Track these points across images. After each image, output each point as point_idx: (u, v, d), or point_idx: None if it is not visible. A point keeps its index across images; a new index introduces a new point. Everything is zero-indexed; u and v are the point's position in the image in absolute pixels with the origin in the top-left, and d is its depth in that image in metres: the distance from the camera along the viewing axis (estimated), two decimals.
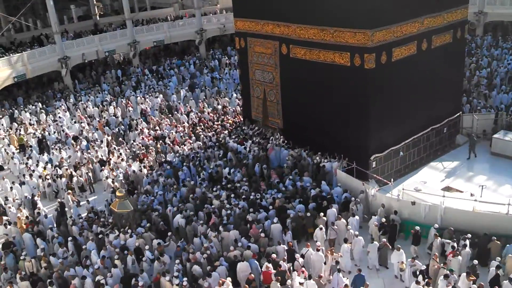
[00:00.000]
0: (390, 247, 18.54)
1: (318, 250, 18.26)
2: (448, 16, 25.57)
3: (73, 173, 27.57)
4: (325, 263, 18.07)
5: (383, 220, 20.03)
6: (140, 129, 33.12)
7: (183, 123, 34.24)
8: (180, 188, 24.54)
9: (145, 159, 28.35)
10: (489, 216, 19.25)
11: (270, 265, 17.52)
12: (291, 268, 17.73)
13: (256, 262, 18.08)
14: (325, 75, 24.68)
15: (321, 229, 19.45)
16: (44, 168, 28.66)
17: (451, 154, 27.39)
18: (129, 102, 38.41)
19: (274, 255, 18.10)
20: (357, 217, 20.48)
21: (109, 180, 26.67)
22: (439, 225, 19.42)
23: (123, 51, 49.53)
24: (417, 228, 19.23)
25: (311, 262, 18.31)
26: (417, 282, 16.13)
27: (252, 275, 17.26)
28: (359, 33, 22.36)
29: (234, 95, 38.62)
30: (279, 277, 16.72)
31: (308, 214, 20.77)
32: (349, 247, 18.55)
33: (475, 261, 17.13)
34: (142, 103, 38.00)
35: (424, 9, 24.13)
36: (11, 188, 26.05)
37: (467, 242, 18.04)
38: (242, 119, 33.10)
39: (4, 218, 23.50)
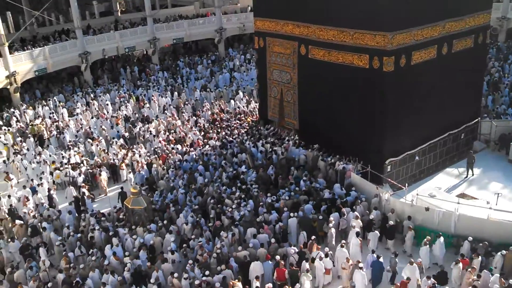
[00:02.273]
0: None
1: (342, 247, 18.62)
2: (470, 21, 25.25)
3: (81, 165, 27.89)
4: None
5: (372, 216, 20.58)
6: (162, 130, 32.85)
7: (187, 120, 34.38)
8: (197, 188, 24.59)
9: (161, 161, 28.13)
10: (504, 225, 18.97)
11: (283, 262, 17.96)
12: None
13: (270, 263, 18.09)
14: (343, 77, 24.55)
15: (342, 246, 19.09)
16: (53, 162, 28.80)
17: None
18: (143, 100, 38.49)
19: (277, 257, 18.15)
20: (356, 212, 20.77)
21: (131, 176, 27.16)
22: (453, 233, 19.25)
23: (143, 48, 49.81)
24: (391, 222, 20.02)
25: (335, 258, 18.63)
26: None
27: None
28: (378, 36, 22.21)
29: (240, 94, 38.86)
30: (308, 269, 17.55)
31: (320, 217, 20.69)
32: (358, 241, 19.03)
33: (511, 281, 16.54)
34: (146, 105, 37.81)
35: (446, 13, 23.85)
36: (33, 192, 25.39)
37: (499, 254, 17.81)
38: (256, 118, 33.24)
39: (18, 222, 22.55)
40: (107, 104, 38.11)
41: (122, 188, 25.12)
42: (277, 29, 28.40)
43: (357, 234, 19.25)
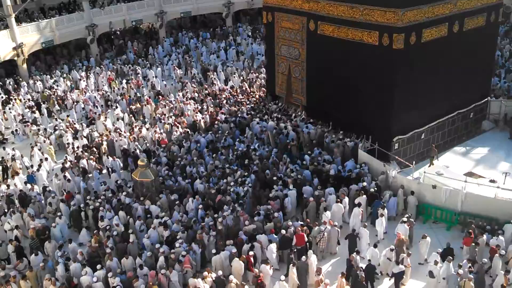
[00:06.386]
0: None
1: (338, 202, 19.95)
2: None
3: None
4: None
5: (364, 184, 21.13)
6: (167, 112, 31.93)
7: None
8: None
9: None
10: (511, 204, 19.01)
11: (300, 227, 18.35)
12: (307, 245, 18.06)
13: (276, 237, 18.28)
14: (352, 54, 24.40)
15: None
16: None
17: (476, 140, 26.96)
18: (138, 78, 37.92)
19: (283, 231, 18.29)
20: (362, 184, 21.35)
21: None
22: (459, 211, 19.36)
23: (150, 21, 49.49)
24: (372, 190, 20.68)
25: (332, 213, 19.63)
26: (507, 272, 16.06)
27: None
28: (389, 12, 21.98)
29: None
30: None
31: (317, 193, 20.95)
32: (360, 211, 19.66)
33: None
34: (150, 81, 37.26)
35: None
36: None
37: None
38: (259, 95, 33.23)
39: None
40: (80, 78, 37.94)
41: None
42: (286, 4, 28.09)
43: (359, 205, 19.66)
